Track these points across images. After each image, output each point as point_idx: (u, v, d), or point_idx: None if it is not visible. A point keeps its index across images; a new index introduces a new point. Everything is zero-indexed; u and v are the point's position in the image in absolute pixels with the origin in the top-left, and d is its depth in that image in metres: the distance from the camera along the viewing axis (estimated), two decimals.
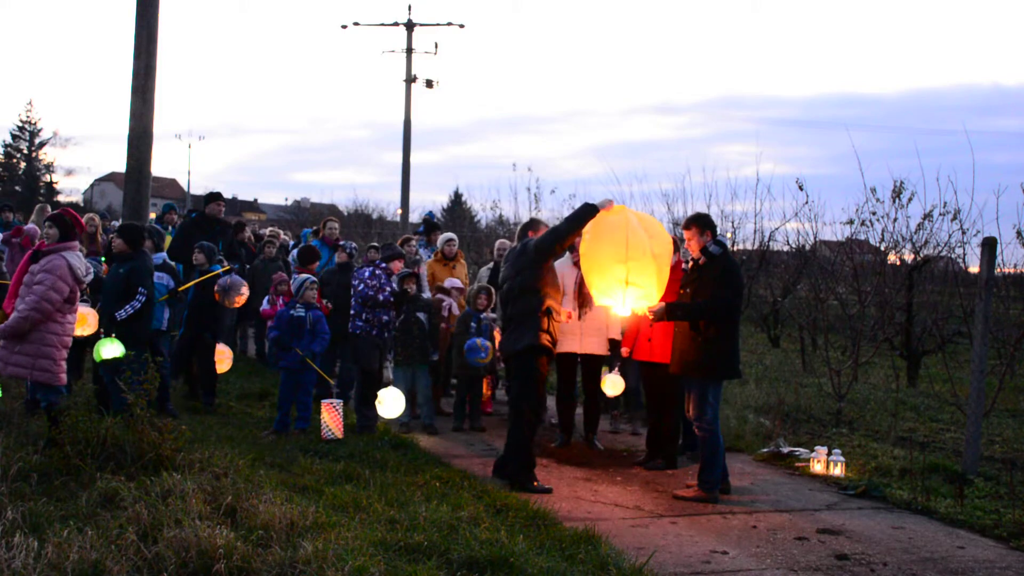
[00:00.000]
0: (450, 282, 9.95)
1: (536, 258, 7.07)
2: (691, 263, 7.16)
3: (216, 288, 9.21)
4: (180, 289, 8.69)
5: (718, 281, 6.88)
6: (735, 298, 7.09)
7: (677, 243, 8.04)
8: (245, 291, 9.44)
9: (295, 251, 11.78)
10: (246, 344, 13.75)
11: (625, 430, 9.47)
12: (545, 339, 6.97)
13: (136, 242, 7.92)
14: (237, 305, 9.82)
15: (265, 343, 11.64)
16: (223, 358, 9.20)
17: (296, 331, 8.35)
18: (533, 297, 7.02)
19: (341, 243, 10.44)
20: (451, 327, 9.57)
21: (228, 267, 9.56)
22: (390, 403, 8.30)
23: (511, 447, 7.12)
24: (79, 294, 6.99)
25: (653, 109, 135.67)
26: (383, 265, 8.69)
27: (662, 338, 7.72)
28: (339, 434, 8.01)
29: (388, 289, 8.55)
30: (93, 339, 7.72)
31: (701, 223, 7.14)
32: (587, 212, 6.96)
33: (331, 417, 8.04)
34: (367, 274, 8.60)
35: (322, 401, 8.17)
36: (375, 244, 10.30)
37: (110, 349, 7.41)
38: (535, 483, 6.99)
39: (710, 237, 7.04)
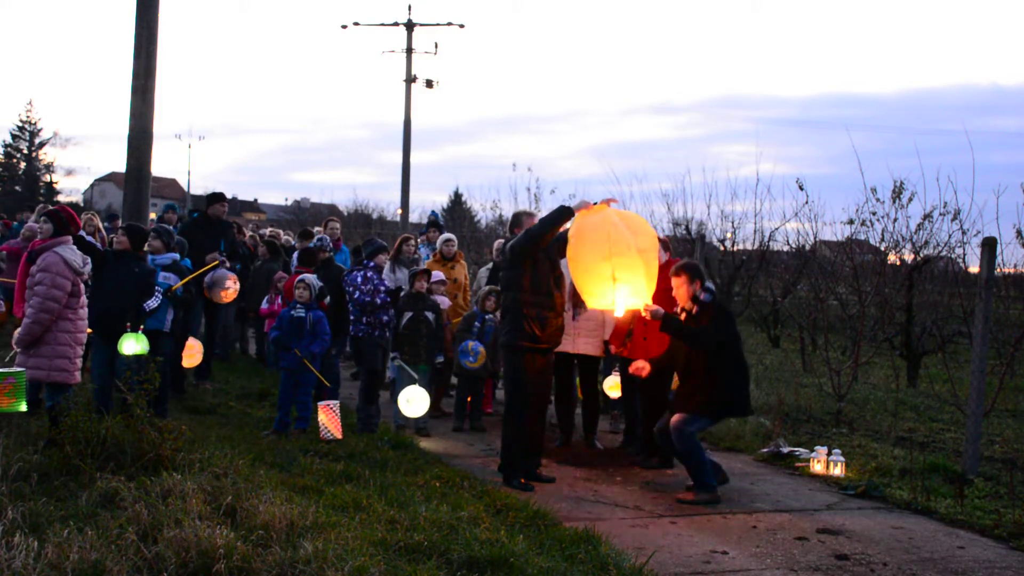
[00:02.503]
0: (432, 276, 9.54)
1: (512, 259, 7.07)
2: (683, 312, 7.14)
3: (204, 284, 9.16)
4: (173, 288, 8.66)
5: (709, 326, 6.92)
6: (727, 337, 7.00)
7: (667, 243, 8.01)
8: (230, 285, 9.34)
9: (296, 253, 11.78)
10: (246, 344, 13.77)
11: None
12: (520, 337, 6.96)
13: (141, 244, 7.95)
14: (226, 300, 9.71)
15: (265, 343, 11.63)
16: (191, 353, 9.07)
17: (297, 332, 8.35)
18: (509, 295, 7.06)
19: (318, 237, 10.36)
20: (452, 325, 9.49)
21: (217, 262, 9.47)
22: (417, 402, 8.18)
23: (502, 443, 7.19)
24: (82, 287, 7.01)
25: (652, 109, 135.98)
26: (371, 264, 8.58)
27: (655, 336, 7.70)
28: (338, 434, 8.00)
29: (383, 289, 8.49)
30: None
31: (691, 272, 7.10)
32: (561, 214, 6.94)
33: (328, 418, 8.02)
34: (359, 279, 8.47)
35: (318, 403, 8.15)
36: None
37: (132, 345, 7.42)
38: (522, 480, 7.00)
39: (699, 286, 7.02)
